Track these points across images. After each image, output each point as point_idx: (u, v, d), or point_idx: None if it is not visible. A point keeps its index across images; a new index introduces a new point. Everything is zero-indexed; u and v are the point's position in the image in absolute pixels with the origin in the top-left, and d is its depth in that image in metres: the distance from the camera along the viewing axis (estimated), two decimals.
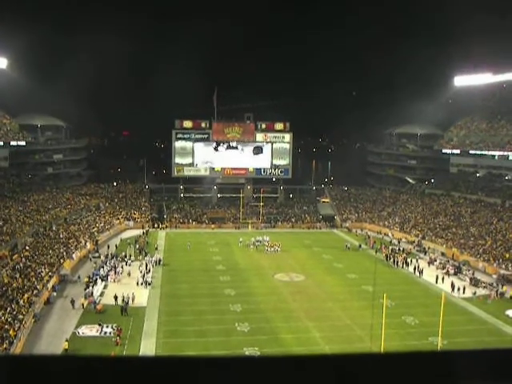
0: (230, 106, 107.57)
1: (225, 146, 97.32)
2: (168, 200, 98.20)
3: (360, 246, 74.18)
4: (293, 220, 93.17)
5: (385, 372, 1.89)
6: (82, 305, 44.46)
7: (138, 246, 68.39)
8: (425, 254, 69.88)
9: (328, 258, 67.88)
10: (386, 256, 66.72)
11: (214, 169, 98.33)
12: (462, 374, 1.92)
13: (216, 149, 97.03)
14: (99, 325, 39.86)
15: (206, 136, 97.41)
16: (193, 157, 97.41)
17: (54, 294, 47.78)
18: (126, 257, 61.94)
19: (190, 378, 1.82)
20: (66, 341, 35.87)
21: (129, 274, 54.79)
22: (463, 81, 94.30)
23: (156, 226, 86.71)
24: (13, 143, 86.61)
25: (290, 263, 63.79)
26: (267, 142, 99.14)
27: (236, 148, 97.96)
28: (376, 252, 68.66)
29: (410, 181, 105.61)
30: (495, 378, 1.91)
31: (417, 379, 1.92)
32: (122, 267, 57.53)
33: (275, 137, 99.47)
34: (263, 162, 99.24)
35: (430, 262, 64.03)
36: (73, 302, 44.67)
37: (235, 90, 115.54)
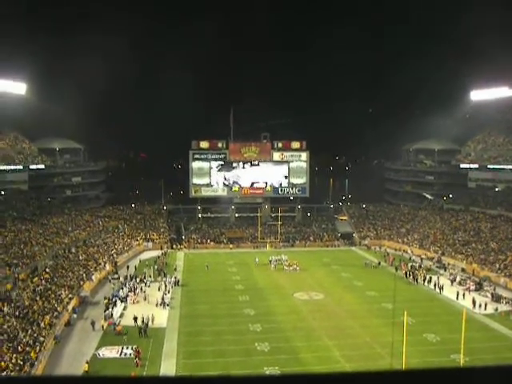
0: (246, 125, 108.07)
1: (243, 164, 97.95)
2: (186, 220, 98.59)
3: (379, 263, 73.66)
4: (311, 238, 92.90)
5: None
6: (102, 326, 44.69)
7: (156, 267, 68.51)
8: (445, 270, 69.26)
9: (347, 275, 67.57)
10: (406, 273, 66.26)
11: (231, 189, 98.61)
12: None
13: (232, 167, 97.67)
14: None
15: (222, 156, 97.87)
16: (210, 177, 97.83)
17: (75, 315, 48.09)
18: (145, 278, 62.15)
19: None
20: (87, 362, 36.05)
21: (147, 296, 54.81)
22: (479, 95, 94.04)
23: (174, 246, 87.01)
24: (32, 167, 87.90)
25: (309, 282, 63.57)
26: (284, 161, 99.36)
27: (258, 165, 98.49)
28: (397, 270, 68.05)
29: (428, 197, 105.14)
30: None
31: None
32: (141, 288, 57.68)
33: (292, 155, 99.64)
34: (280, 180, 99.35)
35: (451, 279, 63.45)
36: (93, 323, 44.92)
37: (251, 110, 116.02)
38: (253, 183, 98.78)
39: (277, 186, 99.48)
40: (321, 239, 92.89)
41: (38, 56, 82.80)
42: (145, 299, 53.95)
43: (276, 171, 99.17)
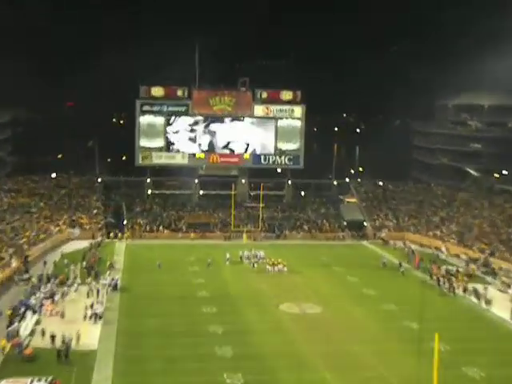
0: (217, 67, 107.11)
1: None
2: (129, 199, 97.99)
3: (400, 264, 73.76)
4: (305, 228, 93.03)
5: None
6: (3, 349, 43.93)
7: (85, 264, 68.07)
8: (494, 276, 69.59)
9: (354, 281, 67.82)
10: (438, 279, 66.38)
11: (194, 155, 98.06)
12: None
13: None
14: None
15: (183, 108, 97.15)
16: (165, 137, 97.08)
17: None
18: (68, 279, 61.63)
19: None
20: None
21: (70, 305, 54.37)
22: None
23: (112, 235, 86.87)
24: None
25: (301, 289, 63.71)
26: (270, 118, 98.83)
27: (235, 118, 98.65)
28: (432, 276, 68.24)
29: (473, 173, 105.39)
30: None
31: None
32: (63, 294, 57.13)
33: (281, 110, 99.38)
34: (264, 144, 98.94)
35: (502, 289, 63.70)
36: None
37: (224, 46, 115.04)
38: (228, 143, 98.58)
39: (258, 153, 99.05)
40: (319, 229, 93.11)
41: None
42: (71, 306, 53.35)
43: (258, 132, 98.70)
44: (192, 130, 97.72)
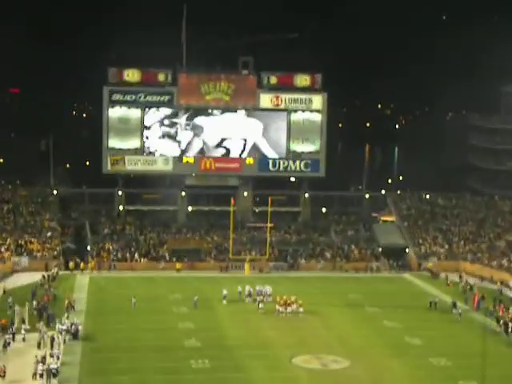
0: (210, 44, 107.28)
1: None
2: (95, 217, 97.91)
3: (454, 304, 73.33)
4: (327, 255, 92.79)
5: None
6: None
7: (36, 304, 67.65)
8: None
9: (393, 326, 67.48)
10: (506, 325, 65.86)
11: (181, 159, 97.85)
12: None
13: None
14: None
15: (166, 98, 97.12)
16: (142, 136, 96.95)
17: None
18: (12, 324, 61.17)
19: None
20: None
21: (14, 359, 53.93)
22: None
23: (72, 265, 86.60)
24: None
25: (323, 336, 63.39)
26: (280, 110, 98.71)
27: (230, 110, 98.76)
28: (497, 320, 67.52)
29: None
30: None
31: None
32: (6, 344, 56.66)
33: (295, 100, 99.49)
34: (272, 146, 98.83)
35: None
36: None
37: (220, 18, 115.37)
38: (222, 140, 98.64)
39: (266, 157, 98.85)
40: (346, 257, 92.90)
41: None
42: (17, 359, 52.93)
43: (265, 128, 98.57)
44: (171, 124, 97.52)
